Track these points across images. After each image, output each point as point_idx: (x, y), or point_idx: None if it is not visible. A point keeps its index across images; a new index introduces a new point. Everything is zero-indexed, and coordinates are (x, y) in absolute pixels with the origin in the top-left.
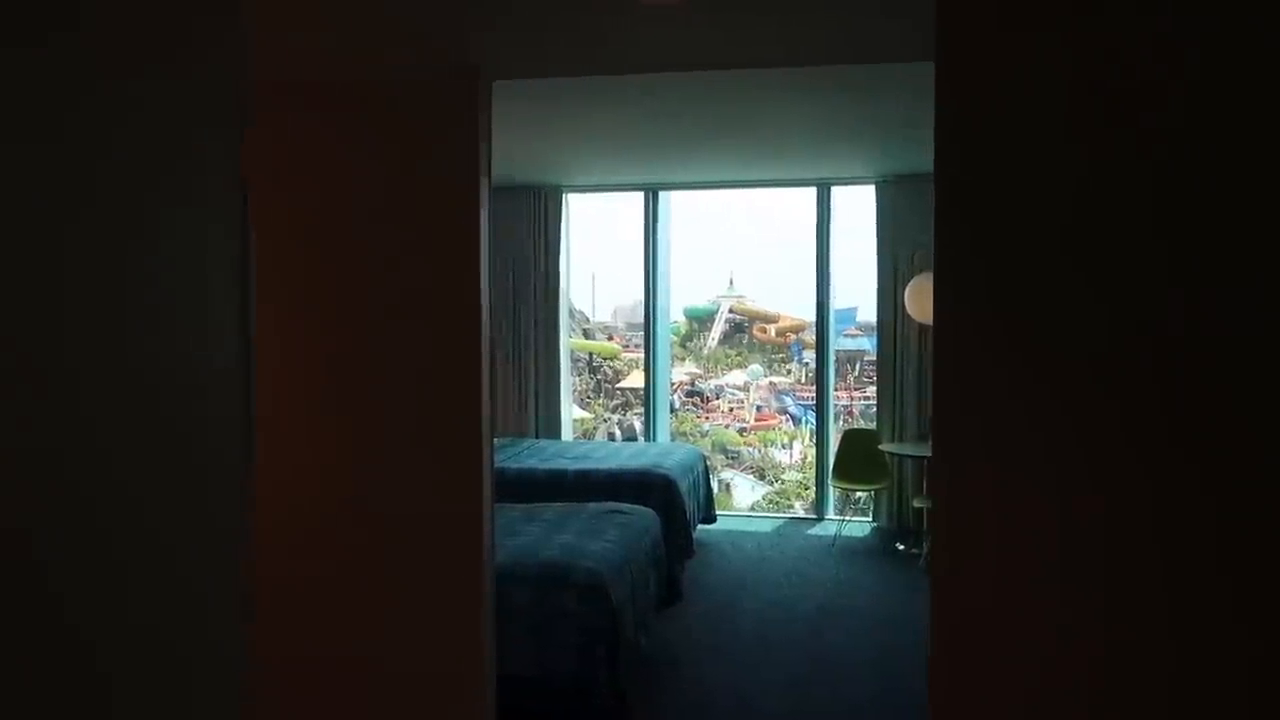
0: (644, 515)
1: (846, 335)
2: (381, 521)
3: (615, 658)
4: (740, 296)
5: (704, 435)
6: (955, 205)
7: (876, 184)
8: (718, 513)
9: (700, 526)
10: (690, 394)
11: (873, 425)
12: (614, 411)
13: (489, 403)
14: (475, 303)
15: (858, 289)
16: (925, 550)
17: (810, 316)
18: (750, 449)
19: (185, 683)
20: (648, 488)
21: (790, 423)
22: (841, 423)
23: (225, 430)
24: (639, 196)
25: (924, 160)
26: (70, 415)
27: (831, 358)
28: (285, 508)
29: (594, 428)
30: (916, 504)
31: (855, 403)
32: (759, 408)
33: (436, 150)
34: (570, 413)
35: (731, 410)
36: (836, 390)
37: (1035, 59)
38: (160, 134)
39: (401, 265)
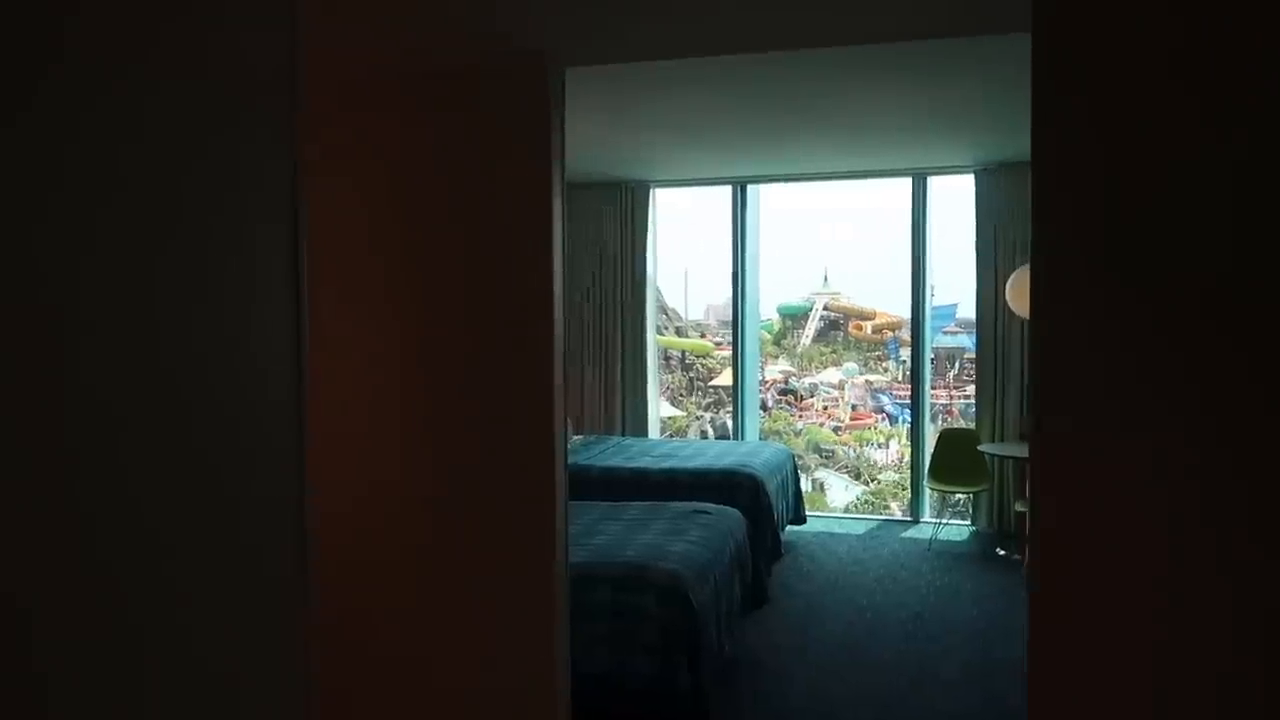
0: (729, 516)
1: (946, 332)
2: (452, 521)
3: (697, 662)
4: (835, 293)
5: (797, 434)
6: (1055, 189)
7: (975, 173)
8: (809, 513)
9: (790, 527)
10: (784, 392)
11: (972, 424)
12: (706, 410)
13: (562, 399)
14: (548, 298)
15: (958, 285)
16: (1028, 556)
17: (907, 313)
18: (845, 448)
19: (243, 681)
20: (734, 487)
21: (887, 422)
22: (940, 421)
23: (276, 429)
24: (727, 191)
25: (1026, 146)
26: (106, 414)
27: (928, 355)
28: (352, 507)
29: (686, 425)
30: (1019, 508)
31: (955, 401)
32: (854, 406)
33: (506, 141)
34: (658, 410)
35: (826, 409)
36: (934, 389)
37: (1142, 25)
38: (210, 130)
39: (471, 261)
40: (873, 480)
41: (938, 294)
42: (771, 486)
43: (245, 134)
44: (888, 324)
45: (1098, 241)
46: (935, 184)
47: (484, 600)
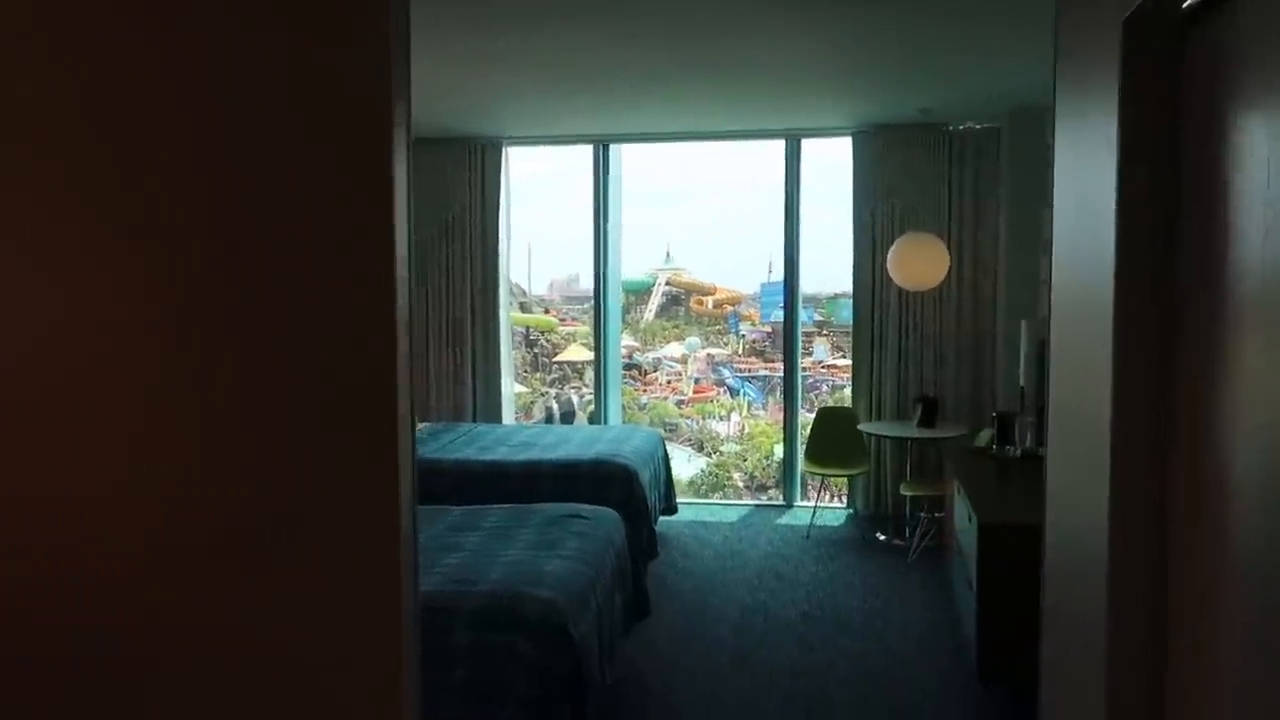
0: (605, 519)
1: (782, 308)
2: (255, 539)
3: (582, 707)
4: (677, 269)
5: (642, 408)
6: None
7: (853, 134)
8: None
9: (662, 518)
10: (628, 366)
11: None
12: (551, 386)
13: (408, 383)
14: (386, 255)
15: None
16: (915, 542)
17: (747, 289)
18: (688, 421)
19: None
20: (605, 481)
21: (728, 394)
22: (779, 395)
23: None
24: (582, 157)
25: (907, 106)
26: None
27: (799, 328)
28: (124, 521)
29: (531, 402)
30: (905, 491)
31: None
32: (696, 380)
33: (330, 50)
34: (512, 393)
35: (669, 383)
36: (771, 361)
37: None
38: None
39: (273, 206)
40: (715, 452)
41: (774, 270)
42: (645, 477)
43: None
44: (728, 299)
45: None
46: (766, 150)
47: (298, 645)
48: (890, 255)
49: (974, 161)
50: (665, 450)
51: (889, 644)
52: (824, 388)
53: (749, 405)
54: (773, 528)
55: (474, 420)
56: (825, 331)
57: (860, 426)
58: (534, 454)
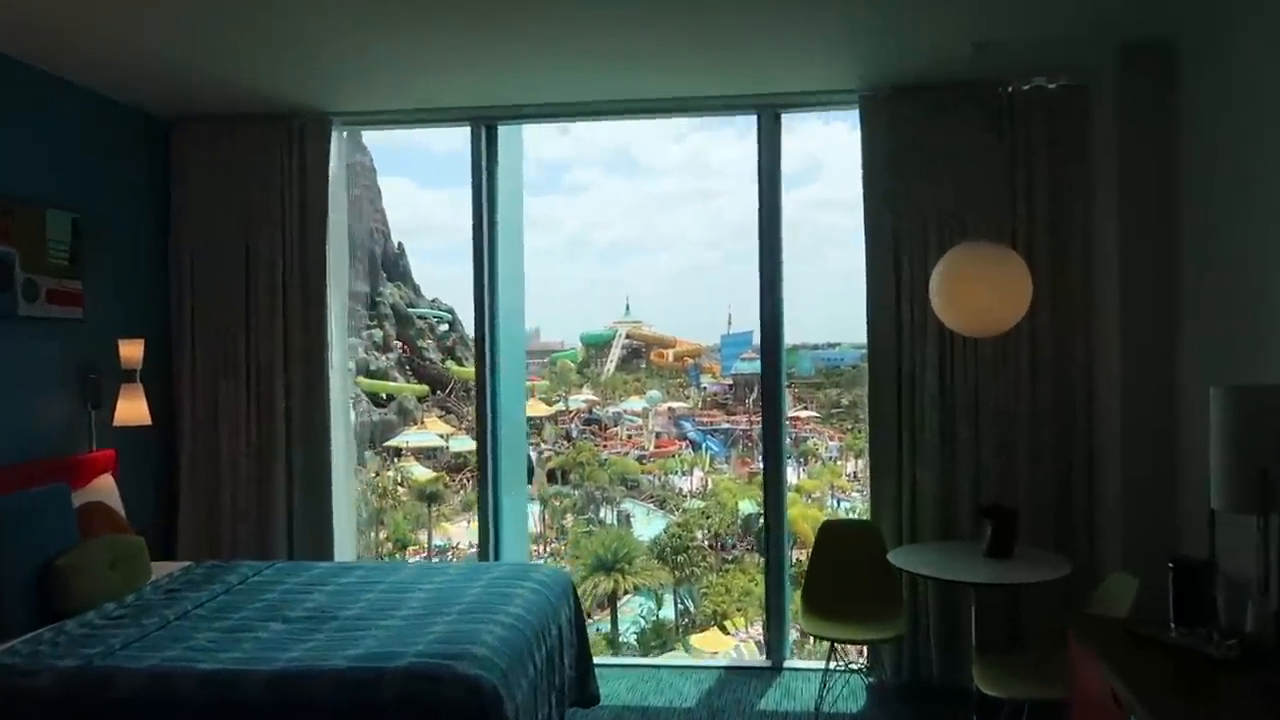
0: None
1: (743, 359)
2: None
3: None
4: (637, 322)
5: (602, 465)
6: None
7: (862, 99)
8: (605, 660)
9: (576, 709)
10: (588, 421)
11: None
12: None
13: None
14: None
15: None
16: None
17: (708, 340)
18: (650, 477)
19: None
20: (431, 714)
21: (689, 449)
22: (741, 448)
23: None
24: (462, 134)
25: (950, 42)
26: None
27: (784, 380)
28: None
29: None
30: (984, 687)
31: (755, 426)
32: (658, 434)
33: None
34: (351, 504)
35: (630, 437)
36: (733, 414)
37: None
38: None
39: None
40: (678, 509)
41: (734, 321)
42: (521, 691)
43: None
44: (688, 351)
45: None
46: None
47: None
48: (935, 279)
49: (1046, 138)
50: (576, 603)
51: None
52: (787, 440)
53: (711, 459)
54: (753, 713)
55: (290, 555)
56: (788, 382)
57: (892, 557)
58: (311, 648)
